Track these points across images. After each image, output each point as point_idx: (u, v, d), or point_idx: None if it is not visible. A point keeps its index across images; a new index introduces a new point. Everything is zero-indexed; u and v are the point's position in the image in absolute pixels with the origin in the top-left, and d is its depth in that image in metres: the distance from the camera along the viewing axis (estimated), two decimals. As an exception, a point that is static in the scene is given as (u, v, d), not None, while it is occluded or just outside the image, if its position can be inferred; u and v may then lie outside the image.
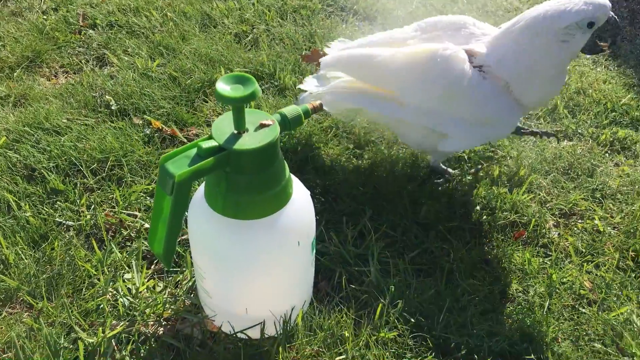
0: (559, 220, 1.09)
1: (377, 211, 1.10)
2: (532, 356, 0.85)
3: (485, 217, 1.09)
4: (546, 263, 1.00)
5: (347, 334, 0.86)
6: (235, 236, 0.76)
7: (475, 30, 1.03)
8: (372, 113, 1.08)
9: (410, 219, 1.08)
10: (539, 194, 1.14)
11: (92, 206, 1.07)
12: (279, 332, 0.84)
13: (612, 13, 0.93)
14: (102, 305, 0.89)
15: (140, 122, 1.27)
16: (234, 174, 0.72)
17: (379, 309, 0.90)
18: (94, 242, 0.99)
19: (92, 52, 1.49)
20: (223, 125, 0.73)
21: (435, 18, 1.07)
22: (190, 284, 0.93)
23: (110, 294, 0.91)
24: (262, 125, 0.74)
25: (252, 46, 1.55)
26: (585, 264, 0.99)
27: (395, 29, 1.11)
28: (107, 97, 1.32)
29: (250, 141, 0.71)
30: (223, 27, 1.61)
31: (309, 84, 1.19)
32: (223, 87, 0.70)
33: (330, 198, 1.13)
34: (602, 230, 1.06)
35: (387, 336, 0.87)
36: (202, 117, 1.30)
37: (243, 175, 0.72)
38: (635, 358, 0.84)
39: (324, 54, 1.48)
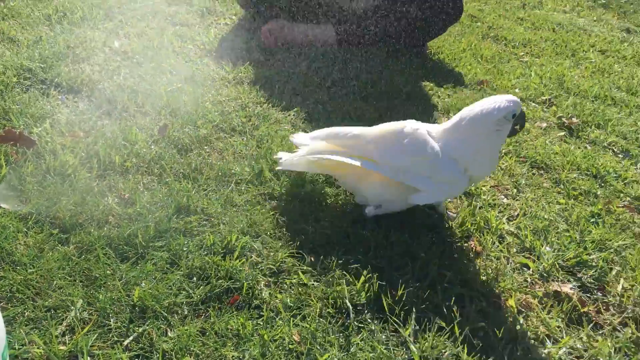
0: (270, 279, 1.17)
1: (88, 300, 1.04)
2: (250, 421, 0.88)
3: (201, 287, 1.11)
4: (259, 324, 1.06)
5: None
6: None
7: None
8: (349, 167, 1.30)
9: (125, 302, 1.05)
10: (251, 257, 1.21)
11: None
12: None
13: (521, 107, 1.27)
14: None
15: None
16: None
17: (89, 410, 0.84)
18: None
19: None
20: None
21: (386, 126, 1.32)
22: None
23: None
24: None
25: None
26: (292, 318, 1.08)
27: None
28: None
29: None
30: None
31: (285, 154, 1.39)
32: None
33: (32, 293, 1.03)
34: (306, 283, 1.17)
35: None
36: None
37: None
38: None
39: (20, 134, 1.37)
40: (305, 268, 1.21)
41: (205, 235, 1.24)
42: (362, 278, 1.18)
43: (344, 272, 1.20)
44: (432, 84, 2.23)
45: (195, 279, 1.13)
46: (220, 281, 1.12)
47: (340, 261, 1.23)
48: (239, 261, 1.18)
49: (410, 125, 1.29)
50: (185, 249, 1.19)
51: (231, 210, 1.33)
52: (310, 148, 1.36)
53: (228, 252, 1.20)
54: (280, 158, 1.40)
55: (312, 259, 1.23)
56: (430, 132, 1.30)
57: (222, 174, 1.45)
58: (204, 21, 2.49)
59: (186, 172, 1.44)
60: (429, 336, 1.09)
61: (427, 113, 1.98)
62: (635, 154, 1.92)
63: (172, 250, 1.18)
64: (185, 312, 1.06)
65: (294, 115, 1.81)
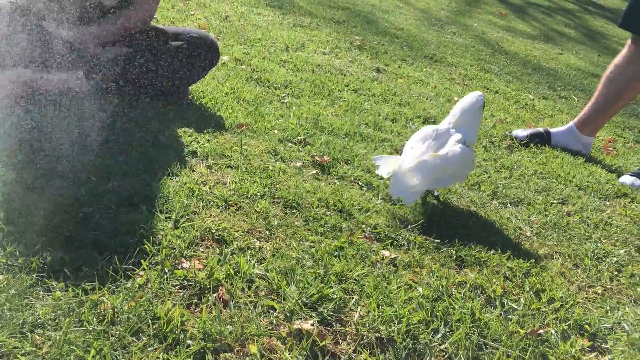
0: (-18, 370, 1.04)
1: None
2: None
3: None
4: None
5: None
6: None
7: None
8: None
9: None
10: (-40, 347, 1.07)
11: None
12: None
13: None
14: None
15: None
16: None
17: None
18: None
19: None
20: None
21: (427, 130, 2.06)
22: None
23: None
24: None
25: None
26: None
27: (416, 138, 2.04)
28: None
29: None
30: None
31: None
32: None
33: None
34: (27, 367, 1.06)
35: None
36: None
37: None
38: None
39: None
40: (28, 349, 1.10)
41: None
42: (93, 350, 1.11)
43: (74, 347, 1.12)
44: (192, 130, 2.24)
45: None
46: None
47: (69, 335, 1.14)
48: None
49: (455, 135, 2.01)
50: None
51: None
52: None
53: None
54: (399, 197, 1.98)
55: (37, 338, 1.13)
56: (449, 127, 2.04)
57: None
58: None
59: None
60: (164, 402, 1.06)
61: (182, 161, 1.97)
62: (376, 186, 2.13)
63: None
64: None
65: (32, 175, 1.66)
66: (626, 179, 2.78)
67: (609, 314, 1.67)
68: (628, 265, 1.96)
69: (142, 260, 1.41)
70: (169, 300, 1.31)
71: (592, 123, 3.07)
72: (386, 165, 2.00)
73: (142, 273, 1.37)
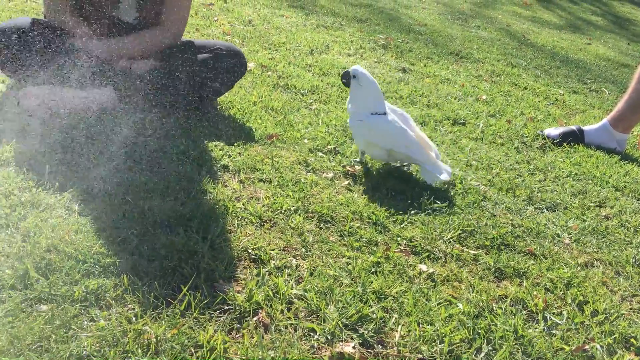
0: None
1: None
2: None
3: None
4: None
5: None
6: None
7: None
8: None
9: None
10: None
11: None
12: None
13: None
14: None
15: None
16: None
17: None
18: None
19: None
20: None
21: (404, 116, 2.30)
22: None
23: None
24: None
25: None
26: None
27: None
28: None
29: None
30: None
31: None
32: None
33: None
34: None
35: None
36: None
37: None
38: None
39: None
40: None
41: None
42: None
43: (121, 380, 1.13)
44: (222, 143, 2.24)
45: None
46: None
47: (116, 368, 1.15)
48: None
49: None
50: None
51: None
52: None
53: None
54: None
55: None
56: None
57: (-24, 283, 1.29)
58: (-37, 92, 2.24)
59: None
60: None
61: (215, 177, 1.97)
62: (409, 195, 2.10)
63: None
64: None
65: (69, 197, 1.68)
66: (665, 177, 2.70)
67: (656, 326, 1.62)
68: (672, 272, 1.90)
69: (182, 285, 1.41)
70: (210, 326, 1.31)
71: (627, 120, 2.99)
72: (442, 169, 2.23)
73: (182, 298, 1.38)
